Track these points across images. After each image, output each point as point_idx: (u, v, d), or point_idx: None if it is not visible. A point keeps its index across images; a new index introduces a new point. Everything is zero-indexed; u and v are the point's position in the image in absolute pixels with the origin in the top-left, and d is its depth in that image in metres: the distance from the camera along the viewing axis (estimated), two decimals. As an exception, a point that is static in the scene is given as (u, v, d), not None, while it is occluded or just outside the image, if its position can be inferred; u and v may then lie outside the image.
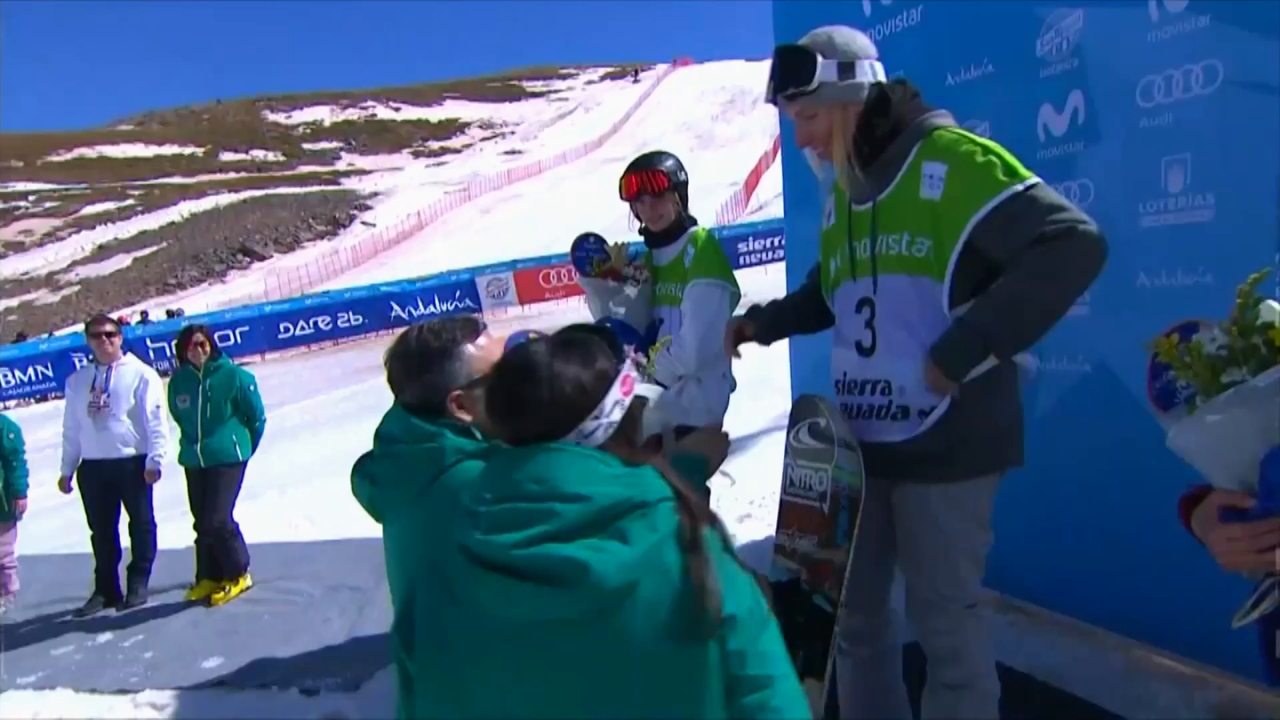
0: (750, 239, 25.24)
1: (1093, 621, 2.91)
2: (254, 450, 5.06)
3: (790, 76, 1.90)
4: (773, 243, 23.62)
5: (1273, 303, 1.01)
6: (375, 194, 65.49)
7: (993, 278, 1.77)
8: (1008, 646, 2.98)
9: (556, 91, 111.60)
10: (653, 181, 2.81)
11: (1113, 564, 2.71)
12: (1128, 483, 2.65)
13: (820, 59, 1.87)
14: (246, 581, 4.97)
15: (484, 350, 1.63)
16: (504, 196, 57.85)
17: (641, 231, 2.98)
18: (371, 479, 1.58)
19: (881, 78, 1.95)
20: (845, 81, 1.89)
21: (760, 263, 23.18)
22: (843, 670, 2.17)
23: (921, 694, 2.00)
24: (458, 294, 25.02)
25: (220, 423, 4.88)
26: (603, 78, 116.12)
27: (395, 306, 24.31)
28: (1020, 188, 1.72)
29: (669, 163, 2.85)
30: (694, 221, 2.91)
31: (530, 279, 24.28)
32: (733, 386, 2.91)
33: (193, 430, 4.88)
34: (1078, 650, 2.89)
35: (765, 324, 2.32)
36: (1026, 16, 2.74)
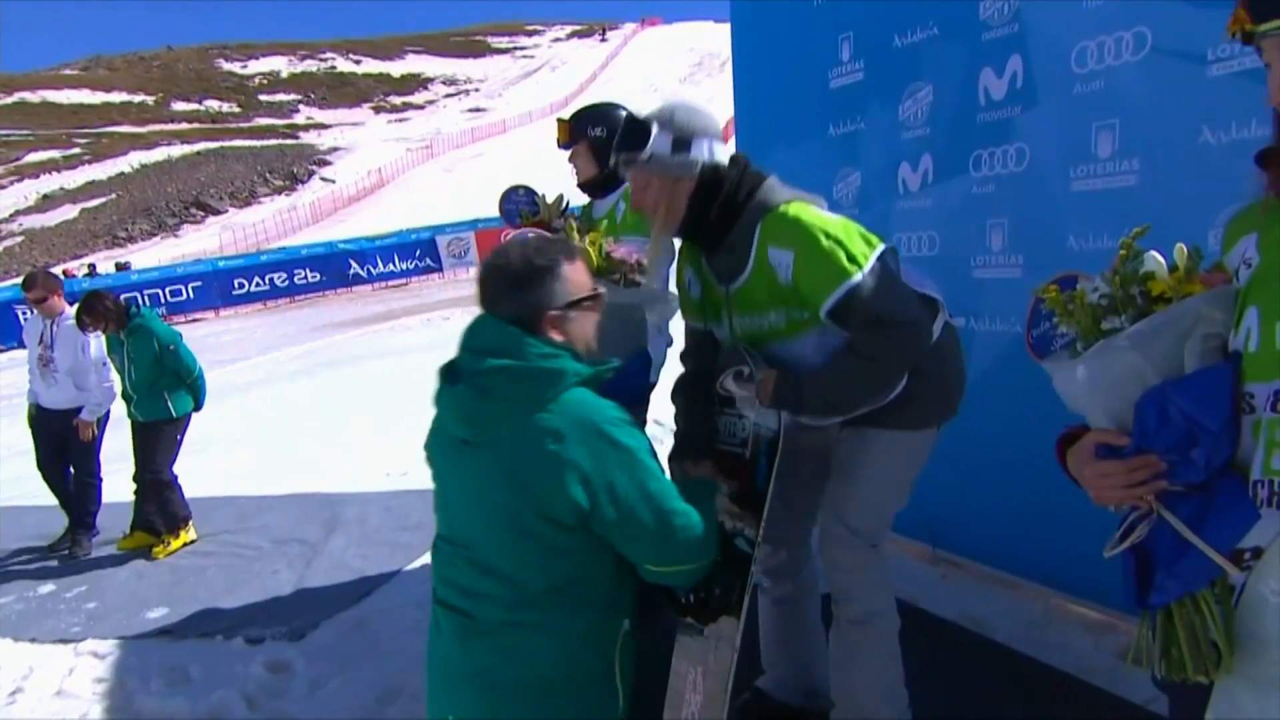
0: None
1: (1017, 573, 3.03)
2: (198, 405, 4.95)
3: (625, 141, 1.95)
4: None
5: (1155, 254, 1.07)
6: (335, 149, 64.04)
7: None
8: (937, 597, 3.10)
9: (522, 48, 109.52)
10: (562, 132, 2.87)
11: (1036, 519, 2.83)
12: (1052, 442, 2.76)
13: (655, 129, 1.91)
14: (189, 535, 4.92)
15: (580, 274, 1.63)
16: (467, 155, 56.99)
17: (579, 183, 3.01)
18: (480, 391, 1.52)
19: (721, 160, 1.96)
20: (676, 156, 1.91)
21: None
22: (763, 609, 2.27)
23: (830, 633, 2.10)
24: (418, 253, 24.76)
25: (147, 383, 4.75)
26: (569, 35, 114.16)
27: (354, 264, 24.00)
28: (860, 277, 1.79)
29: (588, 118, 2.89)
30: None
31: (492, 239, 24.00)
32: (669, 342, 2.95)
33: (126, 388, 4.83)
34: (1001, 600, 3.02)
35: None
36: (970, -21, 2.77)
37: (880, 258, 1.84)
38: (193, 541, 4.91)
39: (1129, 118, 2.41)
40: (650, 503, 1.51)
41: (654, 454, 1.59)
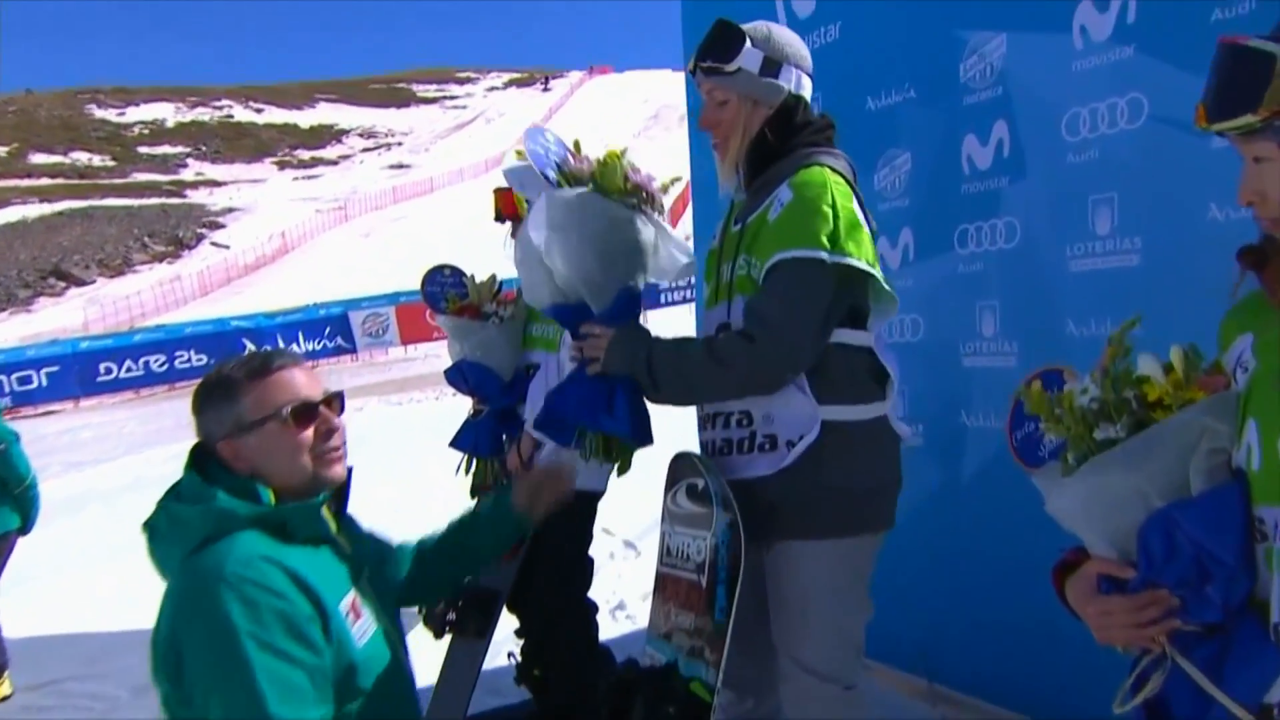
0: (674, 274, 25.61)
1: (1027, 713, 3.01)
2: (28, 524, 4.68)
3: (712, 48, 2.05)
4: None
5: (1148, 355, 1.11)
6: (229, 210, 63.98)
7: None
8: (935, 745, 3.06)
9: (453, 98, 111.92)
10: (508, 202, 2.91)
11: (1047, 646, 2.82)
12: (1060, 555, 2.79)
13: (749, 44, 2.03)
14: (4, 689, 4.60)
15: (271, 391, 1.64)
16: (388, 217, 57.33)
17: None
18: (151, 531, 1.62)
19: (805, 94, 2.12)
20: (765, 78, 2.05)
21: (685, 300, 23.52)
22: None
23: None
24: (327, 331, 24.74)
25: None
26: (507, 84, 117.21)
27: (249, 345, 23.70)
28: (824, 256, 1.87)
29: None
30: None
31: (415, 315, 24.05)
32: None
33: None
34: (1010, 748, 2.99)
35: None
36: (948, 38, 2.93)
37: (851, 278, 1.91)
38: (8, 697, 4.58)
39: (1128, 191, 2.53)
40: (232, 690, 1.44)
41: (289, 629, 1.50)
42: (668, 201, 2.31)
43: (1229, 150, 2.30)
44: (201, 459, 1.65)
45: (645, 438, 2.14)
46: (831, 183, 1.96)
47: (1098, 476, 1.07)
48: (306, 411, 1.65)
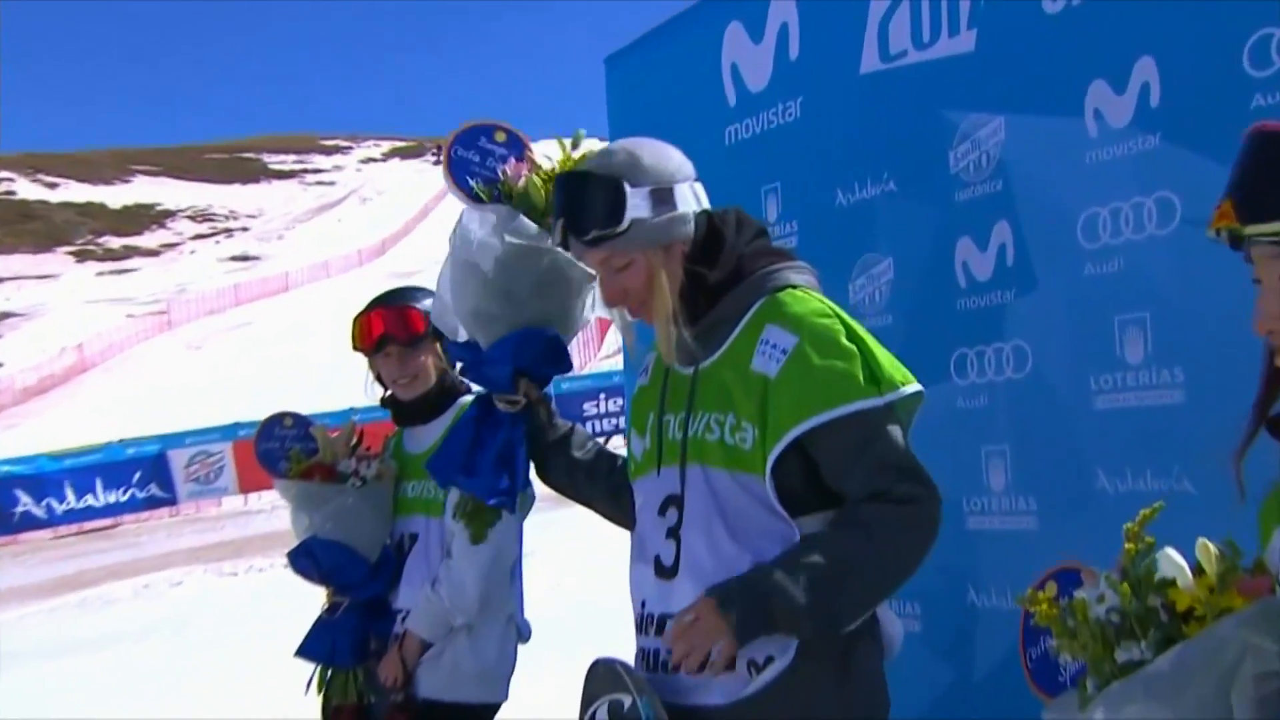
0: (601, 398, 25.66)
1: None
2: None
3: (587, 214, 2.04)
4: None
5: (1172, 552, 1.13)
6: (5, 315, 63.06)
7: (815, 477, 2.01)
8: None
9: (317, 171, 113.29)
10: (402, 324, 2.91)
11: None
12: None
13: (627, 188, 2.02)
14: None
15: None
16: (226, 324, 57.07)
17: (385, 402, 3.02)
18: None
19: (706, 204, 2.17)
20: (662, 215, 2.06)
21: (616, 430, 23.56)
22: None
23: None
24: (137, 477, 24.19)
25: None
26: (387, 155, 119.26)
27: (24, 497, 23.13)
28: (879, 403, 1.96)
29: (429, 300, 2.93)
30: (469, 389, 2.97)
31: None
32: (525, 636, 2.91)
33: None
34: None
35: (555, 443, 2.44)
36: (934, 120, 3.06)
37: (906, 402, 2.02)
38: None
39: (1164, 310, 2.61)
40: None
41: None
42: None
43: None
44: None
45: (509, 501, 2.26)
46: (830, 308, 2.06)
47: (1119, 712, 1.07)
48: None
